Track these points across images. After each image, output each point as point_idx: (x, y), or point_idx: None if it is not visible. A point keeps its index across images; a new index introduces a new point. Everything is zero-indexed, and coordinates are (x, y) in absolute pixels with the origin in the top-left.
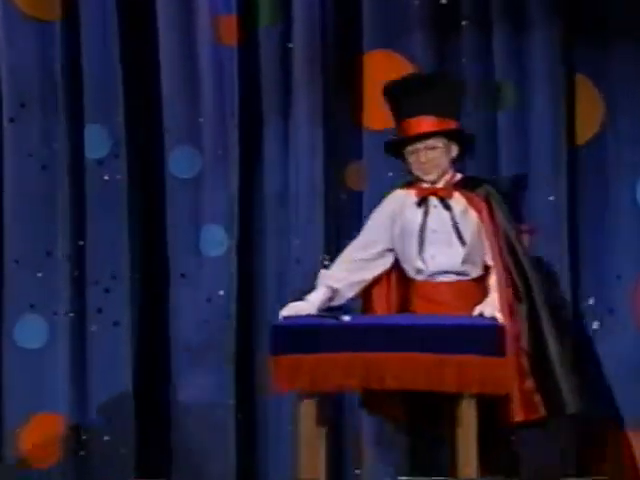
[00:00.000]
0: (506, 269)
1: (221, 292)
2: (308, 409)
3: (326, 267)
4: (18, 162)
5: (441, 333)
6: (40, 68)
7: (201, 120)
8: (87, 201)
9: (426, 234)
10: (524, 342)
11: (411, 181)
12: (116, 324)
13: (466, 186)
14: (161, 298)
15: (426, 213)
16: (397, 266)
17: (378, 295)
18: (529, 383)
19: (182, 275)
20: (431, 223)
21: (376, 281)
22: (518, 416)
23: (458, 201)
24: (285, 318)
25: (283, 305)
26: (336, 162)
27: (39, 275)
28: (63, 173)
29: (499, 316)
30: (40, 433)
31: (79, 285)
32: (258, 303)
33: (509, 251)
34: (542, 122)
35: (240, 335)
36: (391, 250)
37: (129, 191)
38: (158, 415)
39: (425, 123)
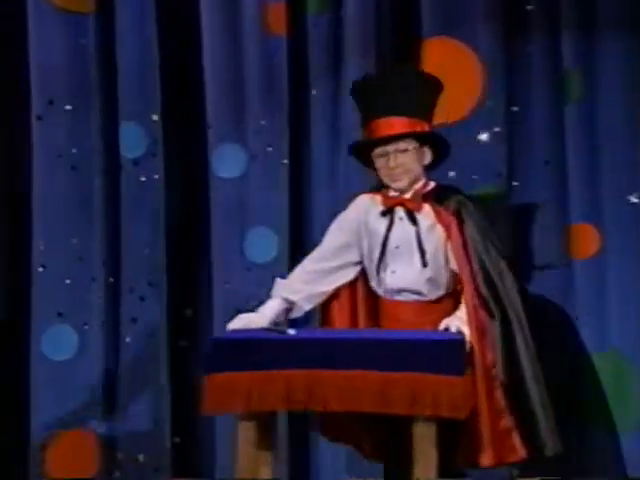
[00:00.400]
0: (476, 286)
1: None
2: (247, 433)
3: None
4: (46, 162)
5: (391, 349)
6: (71, 63)
7: (247, 115)
8: (122, 203)
9: (388, 248)
10: (499, 369)
11: (379, 187)
12: (152, 335)
13: (438, 197)
14: (202, 308)
15: (390, 225)
16: (366, 279)
17: (339, 309)
18: (505, 422)
19: (226, 283)
20: (394, 237)
21: (338, 294)
22: (487, 460)
23: (427, 215)
24: (233, 331)
25: None
26: None
27: (68, 282)
28: (96, 174)
29: (466, 330)
30: (70, 450)
31: (112, 293)
32: (310, 314)
33: (480, 267)
34: (615, 115)
35: None
36: (355, 263)
37: (167, 192)
38: (197, 434)
39: (396, 124)
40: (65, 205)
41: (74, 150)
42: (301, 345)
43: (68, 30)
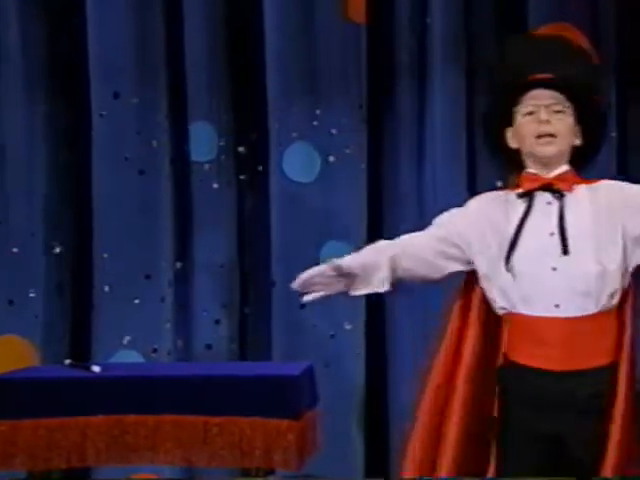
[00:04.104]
0: None
1: (348, 326)
2: None
3: None
4: (111, 166)
5: (211, 388)
6: (138, 50)
7: (319, 112)
8: (194, 212)
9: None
10: None
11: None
12: None
13: None
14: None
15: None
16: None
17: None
18: None
19: (302, 306)
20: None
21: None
22: None
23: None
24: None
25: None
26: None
27: (136, 302)
28: (164, 179)
29: None
30: None
31: (184, 315)
32: (390, 338)
33: None
34: None
35: (370, 374)
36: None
37: (239, 200)
38: None
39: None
40: (131, 215)
41: (142, 152)
42: (103, 385)
43: (134, 14)
